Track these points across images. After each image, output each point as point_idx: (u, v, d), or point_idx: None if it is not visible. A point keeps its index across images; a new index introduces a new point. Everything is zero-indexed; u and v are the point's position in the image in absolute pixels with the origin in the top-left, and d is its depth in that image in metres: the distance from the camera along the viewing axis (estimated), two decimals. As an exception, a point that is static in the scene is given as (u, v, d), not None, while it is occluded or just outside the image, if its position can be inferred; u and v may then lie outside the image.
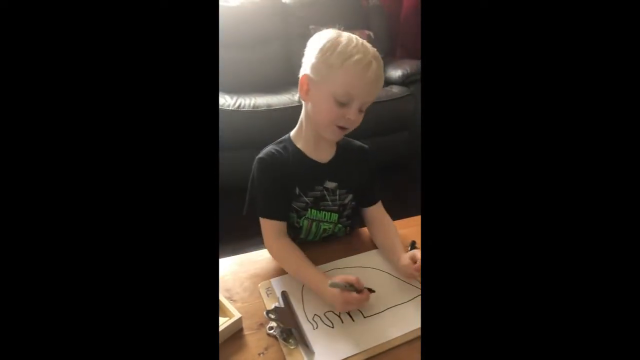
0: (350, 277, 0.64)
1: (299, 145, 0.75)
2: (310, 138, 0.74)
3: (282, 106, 1.76)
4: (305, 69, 0.69)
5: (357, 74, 0.64)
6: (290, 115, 1.76)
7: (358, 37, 0.68)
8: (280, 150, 0.75)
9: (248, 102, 1.73)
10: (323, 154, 0.76)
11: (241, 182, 1.69)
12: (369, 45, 0.67)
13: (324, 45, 0.66)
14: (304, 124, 0.74)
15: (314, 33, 2.26)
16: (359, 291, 0.63)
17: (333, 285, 0.62)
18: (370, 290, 0.66)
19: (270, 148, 0.76)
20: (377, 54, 0.68)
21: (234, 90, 1.82)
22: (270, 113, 1.72)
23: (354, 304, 0.64)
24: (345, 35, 0.67)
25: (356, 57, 0.64)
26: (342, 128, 0.70)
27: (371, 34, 2.21)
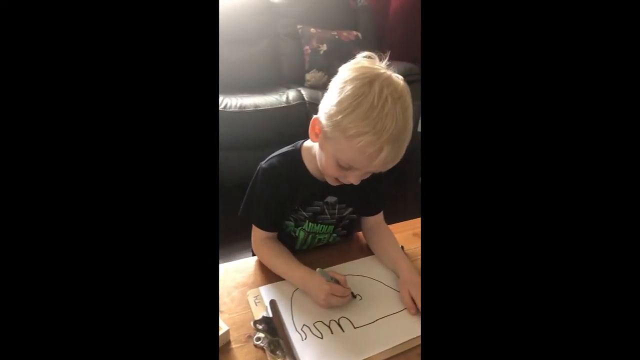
0: (338, 275, 0.67)
1: (306, 161, 0.71)
2: (317, 162, 0.68)
3: (269, 107, 1.74)
4: (321, 111, 0.60)
5: (363, 156, 0.55)
6: (277, 116, 1.76)
7: (395, 90, 0.54)
8: (285, 163, 0.71)
9: (235, 102, 1.70)
10: None
11: (228, 183, 1.68)
12: (399, 109, 0.54)
13: (344, 98, 0.55)
14: (315, 147, 0.68)
15: (302, 33, 2.23)
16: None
17: (320, 272, 0.67)
18: (353, 295, 0.68)
19: (274, 160, 0.71)
20: (402, 127, 0.55)
21: (220, 90, 1.78)
22: (257, 114, 1.70)
23: (337, 296, 0.65)
24: (376, 89, 0.53)
25: (366, 139, 0.53)
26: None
27: (359, 34, 2.20)
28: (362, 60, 0.58)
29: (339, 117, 0.55)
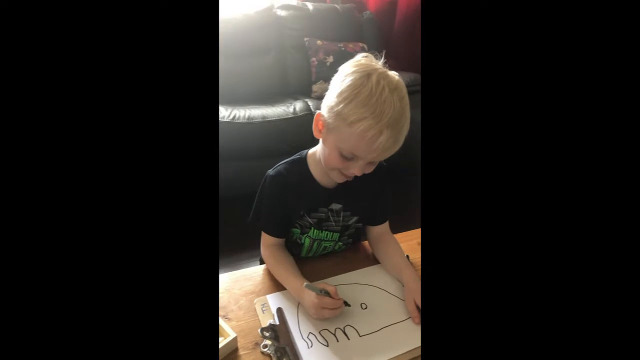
0: (329, 287, 0.67)
1: (311, 168, 0.74)
2: (322, 166, 0.71)
3: (276, 118, 1.76)
4: (324, 106, 0.64)
5: (363, 141, 0.59)
6: (284, 126, 1.78)
7: (391, 82, 0.59)
8: (291, 170, 0.74)
9: (243, 113, 1.73)
10: (333, 181, 0.73)
11: (236, 193, 1.70)
12: (396, 98, 0.58)
13: (344, 89, 0.59)
14: (318, 152, 0.72)
15: (309, 45, 2.27)
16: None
17: (308, 287, 0.65)
18: (346, 304, 0.68)
19: (281, 167, 0.75)
20: (400, 114, 0.58)
21: (229, 102, 1.82)
22: (264, 124, 1.73)
23: (328, 309, 0.65)
24: (374, 80, 0.58)
25: (366, 123, 0.57)
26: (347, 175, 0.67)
27: (365, 46, 2.23)
28: (361, 59, 0.63)
29: (340, 106, 0.59)
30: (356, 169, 0.64)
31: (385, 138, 0.58)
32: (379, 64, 0.62)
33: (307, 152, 0.76)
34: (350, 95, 0.58)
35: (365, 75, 0.59)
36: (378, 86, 0.58)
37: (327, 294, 0.66)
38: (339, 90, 0.60)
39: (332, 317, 0.66)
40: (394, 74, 0.61)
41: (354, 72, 0.60)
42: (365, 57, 0.63)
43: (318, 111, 0.65)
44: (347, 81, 0.59)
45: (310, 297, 0.65)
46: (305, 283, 0.66)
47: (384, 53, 0.63)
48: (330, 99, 0.62)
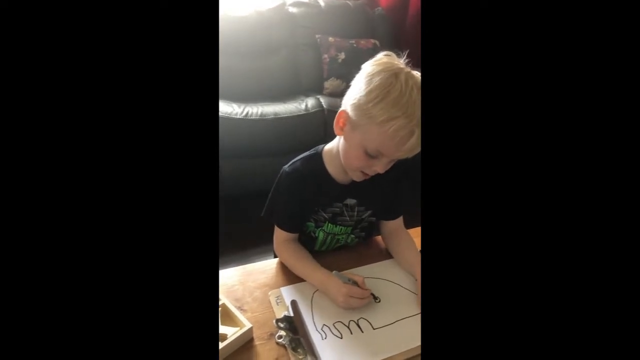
0: (356, 277, 0.68)
1: (326, 164, 0.74)
2: (339, 163, 0.72)
3: (288, 114, 1.78)
4: (346, 104, 0.64)
5: (394, 140, 0.59)
6: (296, 123, 1.80)
7: (417, 81, 0.59)
8: (307, 167, 0.74)
9: (255, 110, 1.74)
10: (348, 178, 0.74)
11: (248, 190, 1.71)
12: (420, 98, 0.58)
13: (373, 88, 0.59)
14: (335, 149, 0.72)
15: (321, 42, 2.26)
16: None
17: (336, 274, 0.68)
18: (374, 296, 0.69)
19: (298, 163, 0.75)
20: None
21: (241, 99, 1.84)
22: (277, 121, 1.74)
23: (356, 299, 0.66)
24: (402, 79, 0.58)
25: (398, 123, 0.57)
26: (367, 174, 0.67)
27: (377, 42, 2.22)
28: (382, 57, 0.63)
29: (369, 105, 0.59)
30: (379, 167, 0.64)
31: (415, 138, 0.59)
32: (401, 62, 0.62)
33: (322, 148, 0.76)
34: (380, 94, 0.58)
35: (393, 75, 0.59)
36: (407, 86, 0.58)
37: (355, 283, 0.67)
38: (367, 89, 0.60)
39: (358, 306, 0.66)
40: (417, 73, 0.61)
41: (381, 72, 0.59)
42: (387, 55, 0.63)
43: (340, 109, 0.65)
44: (376, 80, 0.59)
45: (338, 286, 0.67)
46: (334, 271, 0.68)
47: (406, 53, 0.63)
48: (356, 97, 0.61)
